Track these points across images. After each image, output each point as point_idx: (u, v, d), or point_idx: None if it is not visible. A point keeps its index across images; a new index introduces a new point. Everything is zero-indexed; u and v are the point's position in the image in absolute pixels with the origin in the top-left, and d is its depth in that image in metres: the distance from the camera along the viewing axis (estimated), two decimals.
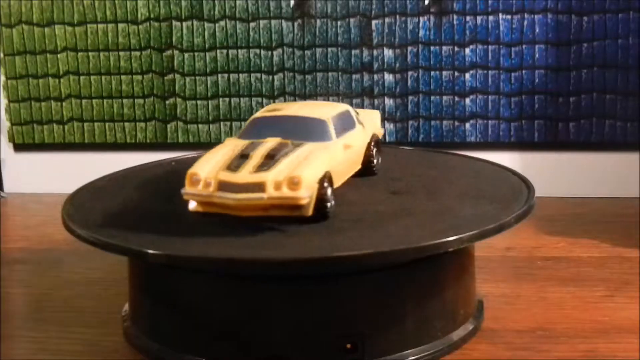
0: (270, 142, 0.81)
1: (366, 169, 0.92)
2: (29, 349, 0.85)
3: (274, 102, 1.39)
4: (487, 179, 0.93)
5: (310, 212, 0.77)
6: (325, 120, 0.85)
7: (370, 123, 0.94)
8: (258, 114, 0.88)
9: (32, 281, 1.04)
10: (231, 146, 0.82)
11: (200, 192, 0.77)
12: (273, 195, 0.75)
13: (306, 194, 0.75)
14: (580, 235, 1.15)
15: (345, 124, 0.88)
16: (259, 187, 0.75)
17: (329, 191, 0.79)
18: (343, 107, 0.90)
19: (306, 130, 0.84)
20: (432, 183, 0.91)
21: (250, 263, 0.71)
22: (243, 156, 0.79)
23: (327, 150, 0.81)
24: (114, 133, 1.44)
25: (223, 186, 0.76)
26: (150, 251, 0.73)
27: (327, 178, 0.78)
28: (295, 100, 1.39)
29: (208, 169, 0.78)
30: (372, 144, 0.93)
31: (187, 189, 0.78)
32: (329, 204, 0.78)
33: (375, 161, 0.93)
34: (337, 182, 0.83)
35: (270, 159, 0.78)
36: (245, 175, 0.76)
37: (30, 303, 0.98)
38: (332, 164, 0.80)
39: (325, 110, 0.87)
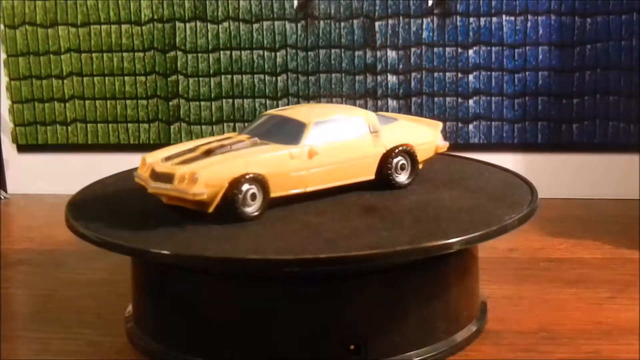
0: (234, 139, 0.84)
1: (384, 182, 0.88)
2: (32, 350, 0.85)
3: (277, 103, 1.39)
4: (490, 180, 0.93)
5: (211, 209, 0.78)
6: (305, 123, 0.84)
7: (403, 134, 0.89)
8: (267, 111, 0.91)
9: (35, 282, 1.04)
10: (213, 139, 0.85)
11: (140, 175, 0.83)
12: (176, 187, 0.78)
13: (201, 191, 0.76)
14: (583, 236, 1.15)
15: (344, 130, 0.85)
16: (169, 178, 0.79)
17: (247, 192, 0.78)
18: (355, 112, 0.87)
19: (282, 132, 0.84)
20: (435, 184, 0.91)
21: (253, 263, 0.71)
22: (195, 149, 0.82)
23: (270, 152, 0.81)
24: (117, 134, 1.44)
25: (153, 174, 0.81)
26: (154, 250, 0.73)
27: (248, 179, 0.78)
28: (298, 101, 1.39)
29: (159, 156, 0.83)
30: (395, 156, 0.87)
31: (137, 171, 0.84)
32: (240, 205, 0.78)
33: (395, 175, 0.87)
34: (288, 186, 0.81)
35: (208, 154, 0.80)
36: (166, 166, 0.80)
37: (33, 304, 0.98)
38: (268, 166, 0.79)
39: (323, 112, 0.86)
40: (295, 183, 0.82)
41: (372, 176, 0.87)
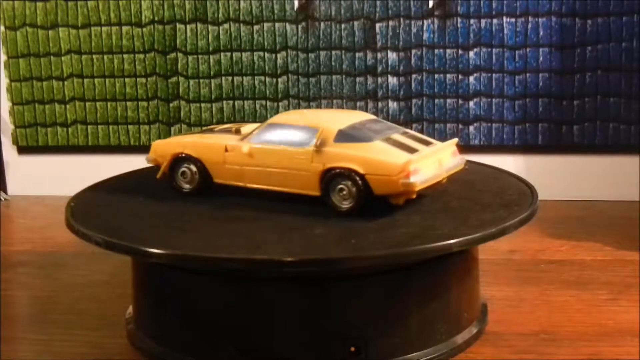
0: (239, 127, 0.93)
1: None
2: (33, 351, 0.85)
3: (277, 104, 1.40)
4: (490, 182, 0.93)
5: (158, 175, 0.91)
6: (261, 123, 0.88)
7: (358, 157, 0.80)
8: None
9: (35, 284, 1.04)
10: (245, 124, 0.95)
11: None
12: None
13: (150, 157, 0.93)
14: (583, 238, 1.15)
15: (290, 138, 0.83)
16: None
17: (180, 169, 0.90)
18: (317, 123, 0.84)
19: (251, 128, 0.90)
20: (435, 186, 0.91)
21: (254, 263, 0.71)
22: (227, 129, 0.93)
23: (209, 140, 0.89)
24: (117, 136, 1.44)
25: None
26: (154, 250, 0.73)
27: (183, 158, 0.89)
28: (298, 103, 1.39)
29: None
30: (332, 177, 0.81)
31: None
32: (175, 178, 0.90)
33: (333, 198, 0.81)
34: (226, 176, 0.87)
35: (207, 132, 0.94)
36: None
37: (33, 305, 0.98)
38: (204, 152, 0.88)
39: (291, 117, 0.87)
40: (233, 175, 0.87)
41: (317, 192, 0.82)
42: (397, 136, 0.84)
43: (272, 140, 0.84)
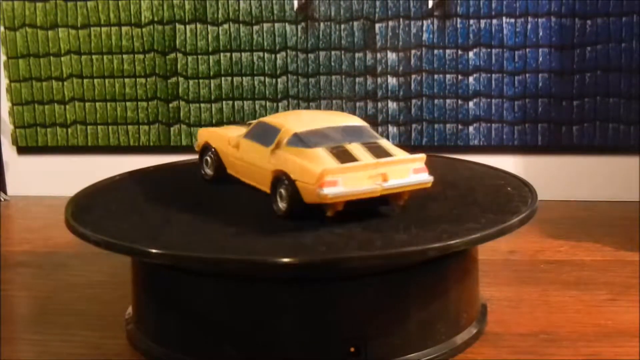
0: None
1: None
2: (32, 352, 0.85)
3: (277, 105, 1.40)
4: (489, 182, 0.93)
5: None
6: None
7: (292, 161, 0.79)
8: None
9: (35, 284, 1.04)
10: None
11: None
12: None
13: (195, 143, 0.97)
14: (583, 238, 1.15)
15: (266, 137, 0.84)
16: None
17: (205, 157, 0.95)
18: (286, 125, 0.83)
19: None
20: (435, 186, 0.91)
21: (254, 263, 0.71)
22: None
23: (220, 131, 0.94)
24: (117, 136, 1.44)
25: None
26: (154, 250, 0.73)
27: (207, 147, 0.95)
28: (298, 103, 1.39)
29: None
30: (275, 181, 0.81)
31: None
32: (202, 166, 0.95)
33: (273, 199, 0.81)
34: (233, 168, 0.91)
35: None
36: None
37: (33, 306, 0.98)
38: (218, 143, 0.93)
39: (283, 118, 0.88)
40: (235, 167, 0.90)
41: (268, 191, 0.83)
42: (352, 145, 0.80)
43: (252, 138, 0.86)
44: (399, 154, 0.80)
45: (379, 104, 1.37)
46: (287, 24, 1.37)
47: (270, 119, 0.87)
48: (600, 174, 1.34)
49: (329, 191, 0.75)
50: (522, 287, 0.98)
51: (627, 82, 1.31)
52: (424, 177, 0.80)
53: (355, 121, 0.86)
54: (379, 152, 0.80)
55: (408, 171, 0.79)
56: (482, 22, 1.33)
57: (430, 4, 1.33)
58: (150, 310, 0.84)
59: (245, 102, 1.40)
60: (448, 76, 1.35)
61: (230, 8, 1.38)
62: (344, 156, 0.78)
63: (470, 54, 1.34)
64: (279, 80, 1.39)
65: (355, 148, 0.80)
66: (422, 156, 0.80)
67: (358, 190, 0.77)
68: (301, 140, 0.80)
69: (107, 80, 1.43)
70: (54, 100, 1.45)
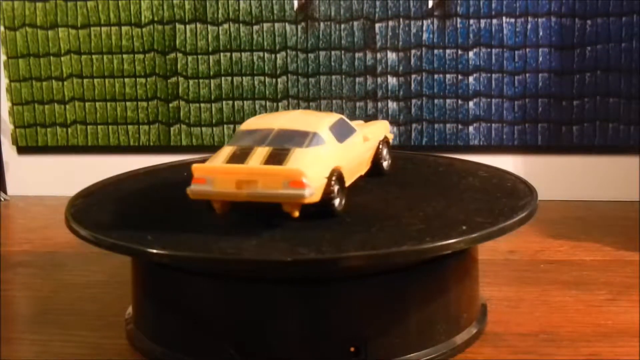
0: None
1: None
2: (32, 352, 0.85)
3: (277, 105, 1.40)
4: (489, 182, 0.93)
5: None
6: None
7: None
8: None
9: (35, 284, 1.04)
10: None
11: None
12: None
13: None
14: (583, 238, 1.15)
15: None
16: None
17: None
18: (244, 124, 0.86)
19: None
20: (435, 186, 0.91)
21: (253, 263, 0.71)
22: None
23: None
24: (117, 136, 1.44)
25: None
26: (154, 250, 0.73)
27: None
28: (298, 103, 1.39)
29: None
30: None
31: None
32: None
33: None
34: None
35: None
36: None
37: (33, 306, 0.98)
38: None
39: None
40: None
41: None
42: (260, 149, 0.79)
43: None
44: (295, 164, 0.77)
45: (379, 104, 1.37)
46: (287, 24, 1.37)
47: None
48: (600, 174, 1.34)
49: (194, 187, 0.77)
50: (522, 287, 0.98)
51: (627, 82, 1.31)
52: (298, 192, 0.75)
53: (316, 126, 0.83)
54: (272, 160, 0.78)
55: (281, 183, 0.76)
56: (482, 22, 1.33)
57: (430, 4, 1.33)
58: (150, 310, 0.84)
59: (245, 102, 1.40)
60: (448, 76, 1.35)
61: (230, 8, 1.38)
62: (238, 157, 0.78)
63: (470, 53, 1.34)
64: (279, 80, 1.39)
65: (258, 151, 0.79)
66: (298, 171, 0.75)
67: (220, 192, 0.77)
68: (236, 137, 0.82)
69: (107, 80, 1.43)
70: (54, 100, 1.45)
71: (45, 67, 1.44)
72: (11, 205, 1.43)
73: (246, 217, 0.80)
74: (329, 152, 0.80)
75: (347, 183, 0.83)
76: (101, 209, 0.87)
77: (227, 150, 0.80)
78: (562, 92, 1.33)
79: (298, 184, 0.75)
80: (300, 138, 0.80)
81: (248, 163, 0.77)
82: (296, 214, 0.76)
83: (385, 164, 0.95)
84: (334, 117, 0.86)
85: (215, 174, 0.77)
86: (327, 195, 0.78)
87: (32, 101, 1.45)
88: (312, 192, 0.75)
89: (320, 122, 0.83)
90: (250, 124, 0.85)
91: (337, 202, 0.79)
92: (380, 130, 0.95)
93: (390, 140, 0.98)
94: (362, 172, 0.90)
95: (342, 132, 0.85)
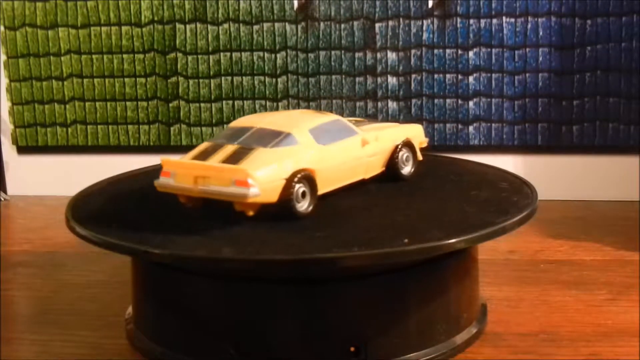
0: None
1: None
2: (32, 352, 0.85)
3: (277, 104, 1.40)
4: (489, 182, 0.93)
5: None
6: None
7: None
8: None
9: (35, 284, 1.04)
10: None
11: None
12: None
13: None
14: (583, 238, 1.15)
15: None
16: None
17: None
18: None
19: None
20: (435, 186, 0.91)
21: (255, 263, 0.71)
22: None
23: None
24: (117, 136, 1.44)
25: None
26: (154, 250, 0.73)
27: None
28: (298, 103, 1.39)
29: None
30: None
31: None
32: None
33: None
34: None
35: None
36: None
37: (33, 306, 0.98)
38: None
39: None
40: None
41: None
42: (228, 146, 0.81)
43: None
44: (247, 164, 0.78)
45: (379, 104, 1.37)
46: (287, 23, 1.37)
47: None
48: (600, 174, 1.34)
49: (161, 181, 0.80)
50: (522, 287, 0.98)
51: (627, 82, 1.31)
52: (242, 191, 0.76)
53: (293, 126, 0.83)
54: (232, 158, 0.79)
55: (229, 181, 0.77)
56: (482, 21, 1.33)
57: (430, 3, 1.33)
58: (150, 310, 0.84)
59: (245, 101, 1.40)
60: (448, 76, 1.35)
61: (230, 8, 1.38)
62: (204, 154, 0.81)
63: (470, 53, 1.34)
64: (279, 80, 1.39)
65: (225, 149, 0.81)
66: (243, 170, 0.76)
67: (179, 186, 0.79)
68: (218, 133, 0.86)
69: (107, 80, 1.43)
70: (54, 100, 1.45)
71: (45, 67, 1.44)
72: (11, 205, 1.43)
73: (246, 217, 0.80)
74: (299, 153, 0.80)
75: (331, 187, 0.83)
76: (101, 209, 0.87)
77: (201, 146, 0.82)
78: (562, 92, 1.33)
79: (243, 183, 0.76)
80: (270, 138, 0.81)
81: (209, 160, 0.79)
82: (250, 213, 0.78)
83: (406, 169, 0.92)
84: (326, 118, 0.86)
85: (177, 169, 0.79)
86: (287, 197, 0.78)
87: (32, 101, 1.45)
88: (257, 193, 0.76)
89: (302, 123, 0.84)
90: (238, 121, 0.86)
91: (300, 204, 0.79)
92: (401, 133, 0.92)
93: (421, 145, 0.95)
94: (363, 176, 0.88)
95: (331, 134, 0.84)
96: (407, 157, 0.92)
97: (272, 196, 0.77)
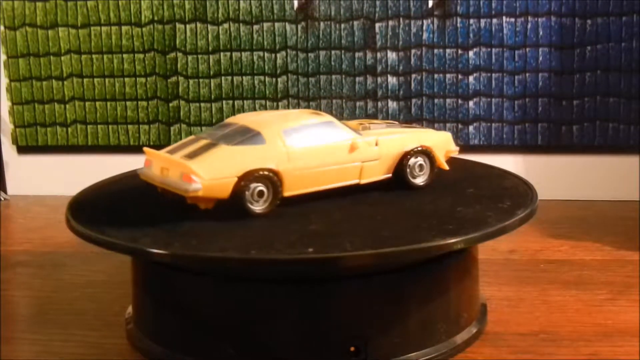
0: None
1: None
2: (32, 352, 0.85)
3: (277, 104, 1.40)
4: (489, 182, 0.93)
5: None
6: None
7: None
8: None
9: (34, 284, 1.04)
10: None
11: None
12: None
13: None
14: (583, 238, 1.15)
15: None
16: None
17: None
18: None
19: None
20: (434, 185, 0.91)
21: (254, 263, 0.71)
22: None
23: None
24: (117, 135, 1.44)
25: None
26: (154, 250, 0.73)
27: None
28: (298, 102, 1.39)
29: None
30: None
31: None
32: None
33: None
34: None
35: None
36: None
37: (33, 305, 0.98)
38: None
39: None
40: None
41: None
42: (204, 141, 0.83)
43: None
44: (199, 159, 0.80)
45: (379, 104, 1.37)
46: (287, 23, 1.37)
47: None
48: (600, 174, 1.34)
49: (143, 169, 0.85)
50: (522, 286, 0.98)
51: (627, 82, 1.31)
52: (184, 186, 0.79)
53: (266, 126, 0.84)
54: (194, 153, 0.82)
55: (179, 175, 0.80)
56: (482, 21, 1.33)
57: (430, 3, 1.33)
58: (150, 310, 0.84)
59: (245, 101, 1.40)
60: (448, 76, 1.35)
61: (230, 7, 1.38)
62: (180, 147, 0.84)
63: (470, 53, 1.34)
64: (279, 79, 1.39)
65: (197, 143, 0.84)
66: (187, 166, 0.79)
67: (152, 176, 0.83)
68: (209, 128, 0.89)
69: (107, 80, 1.43)
70: (54, 99, 1.45)
71: (45, 66, 1.44)
72: (11, 205, 1.43)
73: (246, 217, 0.80)
74: (261, 152, 0.81)
75: (307, 189, 0.83)
76: (101, 209, 0.87)
77: (185, 139, 0.86)
78: (562, 91, 1.33)
79: (187, 178, 0.79)
80: (239, 136, 0.83)
81: (177, 153, 0.82)
82: (202, 206, 0.80)
83: (420, 180, 0.89)
84: (314, 119, 0.86)
85: (153, 159, 0.83)
86: (238, 194, 0.79)
87: (32, 101, 1.45)
88: (198, 188, 0.78)
89: (278, 123, 0.84)
90: (231, 118, 0.88)
91: (256, 203, 0.81)
92: (415, 139, 0.89)
93: (448, 155, 0.91)
94: (356, 181, 0.86)
95: (311, 136, 0.84)
96: (421, 165, 0.89)
97: (223, 192, 0.79)
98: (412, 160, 0.88)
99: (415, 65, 1.36)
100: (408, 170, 0.88)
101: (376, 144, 0.86)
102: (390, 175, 0.88)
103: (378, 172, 0.87)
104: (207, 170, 0.78)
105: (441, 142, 0.91)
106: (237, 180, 0.79)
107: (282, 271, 0.75)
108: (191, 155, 0.81)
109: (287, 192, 0.82)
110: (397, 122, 0.98)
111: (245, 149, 0.81)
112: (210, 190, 0.79)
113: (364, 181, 0.87)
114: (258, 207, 0.80)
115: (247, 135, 0.82)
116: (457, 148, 0.93)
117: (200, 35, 1.39)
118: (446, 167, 0.91)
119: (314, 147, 0.83)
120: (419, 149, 0.88)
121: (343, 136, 0.85)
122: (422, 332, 0.79)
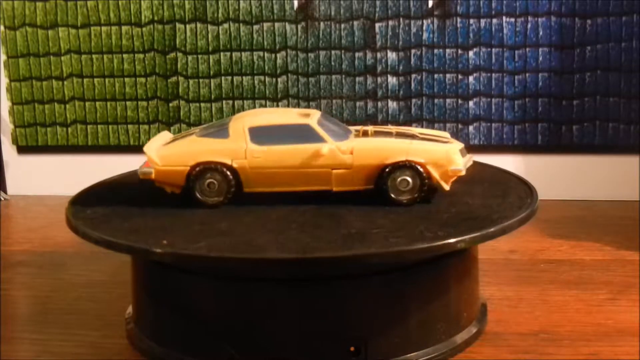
0: None
1: None
2: (32, 351, 0.85)
3: (277, 104, 1.40)
4: (489, 182, 0.93)
5: None
6: None
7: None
8: None
9: (35, 283, 1.04)
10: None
11: None
12: None
13: None
14: (583, 238, 1.15)
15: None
16: None
17: None
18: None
19: None
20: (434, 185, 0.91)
21: (254, 263, 0.71)
22: None
23: None
24: (117, 135, 1.44)
25: None
26: (154, 250, 0.73)
27: None
28: (298, 102, 1.39)
29: None
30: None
31: None
32: None
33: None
34: None
35: None
36: None
37: (33, 305, 0.98)
38: None
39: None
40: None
41: None
42: (192, 132, 0.89)
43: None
44: (165, 147, 0.87)
45: (379, 104, 1.37)
46: (287, 23, 1.37)
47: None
48: (600, 173, 1.34)
49: (142, 170, 0.86)
50: (522, 286, 0.98)
51: (627, 82, 1.31)
52: (142, 169, 0.86)
53: (237, 121, 0.86)
54: (171, 140, 0.89)
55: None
56: (482, 21, 1.33)
57: (430, 3, 1.33)
58: (150, 309, 0.84)
59: (245, 101, 1.40)
60: (448, 76, 1.35)
61: (230, 7, 1.38)
62: (171, 139, 0.89)
63: (470, 53, 1.34)
64: (279, 79, 1.39)
65: (186, 133, 0.91)
66: (149, 154, 0.85)
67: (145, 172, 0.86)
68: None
69: (107, 80, 1.43)
70: (54, 99, 1.45)
71: (45, 66, 1.44)
72: (11, 205, 1.43)
73: (246, 217, 0.80)
74: (219, 146, 0.84)
75: (269, 188, 0.84)
76: (101, 209, 0.87)
77: (183, 133, 0.92)
78: (562, 91, 1.33)
79: (147, 163, 0.86)
80: (212, 129, 0.87)
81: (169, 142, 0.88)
82: (167, 190, 0.86)
83: (404, 197, 0.83)
84: (289, 119, 0.85)
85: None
86: (189, 184, 0.84)
87: (32, 101, 1.45)
88: (149, 172, 0.85)
89: (247, 120, 0.85)
90: (243, 113, 0.91)
91: (206, 195, 0.84)
92: (401, 151, 0.82)
93: (450, 174, 0.83)
94: (328, 187, 0.83)
95: (279, 137, 0.83)
96: (407, 182, 0.83)
97: (177, 180, 0.84)
98: (396, 174, 0.82)
99: (415, 65, 1.36)
100: (389, 183, 0.82)
101: (351, 152, 0.82)
102: (371, 186, 0.83)
103: (354, 182, 0.83)
104: (163, 157, 0.84)
105: (440, 159, 0.83)
106: (188, 170, 0.83)
107: (281, 271, 0.75)
108: (167, 143, 0.87)
109: (247, 189, 0.84)
110: (413, 130, 0.91)
111: (207, 141, 0.85)
112: (164, 176, 0.85)
113: (337, 189, 0.83)
114: (209, 199, 0.84)
115: (216, 129, 0.86)
116: (462, 167, 0.84)
117: (200, 35, 1.39)
118: (446, 187, 0.84)
119: (276, 148, 0.83)
120: (404, 163, 0.82)
121: (312, 140, 0.83)
122: (422, 332, 0.79)
